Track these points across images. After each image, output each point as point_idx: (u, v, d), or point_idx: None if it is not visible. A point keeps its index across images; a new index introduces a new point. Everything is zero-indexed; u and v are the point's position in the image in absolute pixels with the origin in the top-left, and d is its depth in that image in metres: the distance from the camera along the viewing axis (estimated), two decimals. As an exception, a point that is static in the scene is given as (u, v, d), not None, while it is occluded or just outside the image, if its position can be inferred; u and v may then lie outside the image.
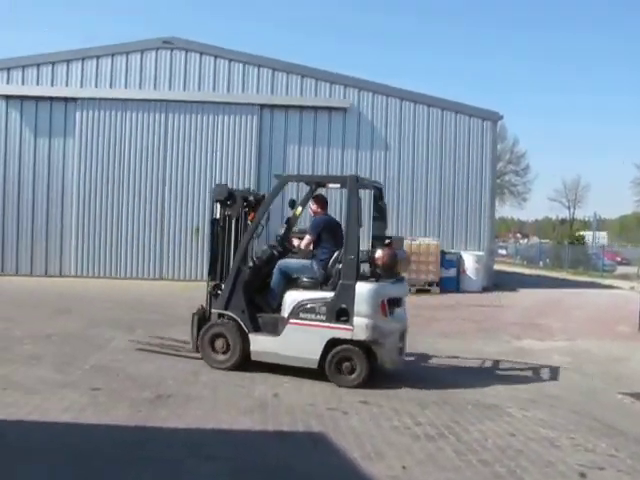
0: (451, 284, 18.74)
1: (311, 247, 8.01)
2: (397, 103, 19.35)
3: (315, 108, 19.10)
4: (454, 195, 19.47)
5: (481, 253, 19.30)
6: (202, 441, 5.36)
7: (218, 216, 8.30)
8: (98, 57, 18.99)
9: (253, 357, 7.68)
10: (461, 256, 19.04)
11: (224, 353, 7.74)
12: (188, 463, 4.87)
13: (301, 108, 19.08)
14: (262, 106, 18.98)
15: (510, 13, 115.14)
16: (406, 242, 18.10)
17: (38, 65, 18.89)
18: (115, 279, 18.36)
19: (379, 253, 7.68)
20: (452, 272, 18.88)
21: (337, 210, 10.46)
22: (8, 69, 18.86)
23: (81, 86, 18.94)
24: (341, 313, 7.34)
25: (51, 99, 18.81)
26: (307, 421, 5.93)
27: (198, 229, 18.76)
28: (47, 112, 18.84)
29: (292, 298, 7.58)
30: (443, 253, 18.71)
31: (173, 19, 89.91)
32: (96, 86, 18.96)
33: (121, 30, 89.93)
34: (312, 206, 8.38)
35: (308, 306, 7.46)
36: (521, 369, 8.87)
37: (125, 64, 19.02)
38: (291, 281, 7.84)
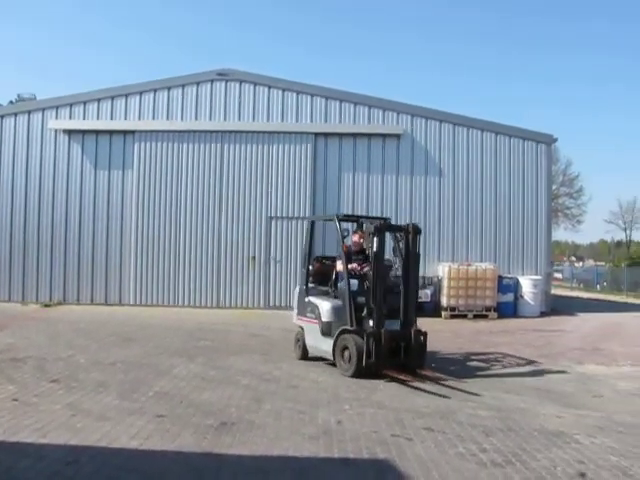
0: (508, 309, 18.55)
1: None
2: (450, 128, 19.32)
3: (369, 135, 19.18)
4: (510, 219, 19.26)
5: (538, 277, 18.98)
6: (268, 467, 5.37)
7: None
8: (155, 90, 19.51)
9: None
10: (518, 280, 18.82)
11: None
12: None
13: (355, 135, 19.20)
14: (316, 135, 19.15)
15: (564, 35, 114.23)
16: (462, 267, 18.10)
17: (98, 100, 19.52)
18: (173, 307, 18.65)
19: None
20: (509, 297, 18.67)
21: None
22: (71, 105, 19.54)
23: (139, 119, 19.45)
24: None
25: (110, 132, 19.37)
26: (372, 448, 5.90)
27: (254, 257, 18.97)
28: (107, 145, 19.39)
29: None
30: (500, 278, 18.51)
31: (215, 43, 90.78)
32: (153, 118, 19.45)
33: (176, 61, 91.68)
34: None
35: None
36: (585, 395, 8.70)
37: (181, 96, 19.48)
38: None
